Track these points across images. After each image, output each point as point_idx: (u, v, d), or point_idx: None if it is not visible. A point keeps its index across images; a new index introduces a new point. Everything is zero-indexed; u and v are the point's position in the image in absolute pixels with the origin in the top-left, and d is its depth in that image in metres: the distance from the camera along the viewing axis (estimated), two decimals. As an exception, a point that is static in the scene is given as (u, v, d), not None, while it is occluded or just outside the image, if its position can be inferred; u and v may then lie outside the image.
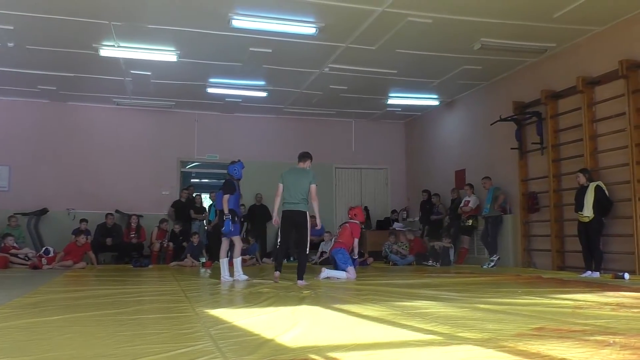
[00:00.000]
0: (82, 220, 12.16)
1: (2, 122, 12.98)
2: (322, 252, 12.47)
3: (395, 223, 14.11)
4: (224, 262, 7.94)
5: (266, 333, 3.38)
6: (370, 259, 12.21)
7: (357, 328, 3.71)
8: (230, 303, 5.39)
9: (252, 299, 5.43)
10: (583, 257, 8.38)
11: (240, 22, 8.28)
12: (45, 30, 8.80)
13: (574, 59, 9.44)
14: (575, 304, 4.77)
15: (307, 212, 7.42)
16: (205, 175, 17.39)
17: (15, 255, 11.01)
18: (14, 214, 12.18)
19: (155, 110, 13.81)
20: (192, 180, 16.00)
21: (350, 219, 9.19)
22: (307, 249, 7.56)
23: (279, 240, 7.80)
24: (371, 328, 3.69)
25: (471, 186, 11.66)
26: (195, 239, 11.91)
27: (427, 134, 14.60)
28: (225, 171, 8.75)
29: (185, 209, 13.20)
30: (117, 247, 12.46)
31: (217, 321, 3.97)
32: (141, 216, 12.93)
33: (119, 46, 9.42)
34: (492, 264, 10.61)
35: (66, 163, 13.21)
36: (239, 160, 8.19)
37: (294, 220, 7.38)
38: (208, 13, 8.14)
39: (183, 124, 14.16)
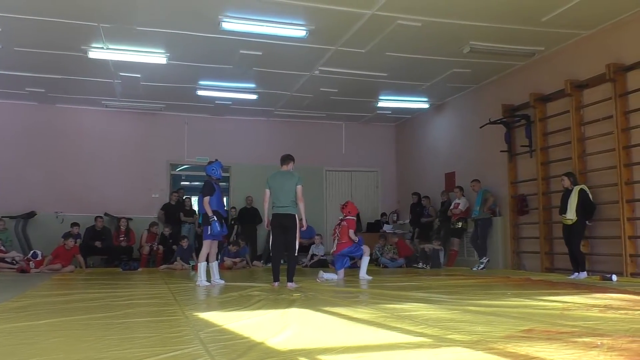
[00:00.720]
0: (73, 224, 11.96)
1: (-10, 124, 12.86)
2: (313, 255, 12.46)
3: (386, 225, 14.13)
4: (213, 265, 7.91)
5: (256, 336, 3.37)
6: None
7: (347, 331, 3.71)
8: (220, 306, 5.36)
9: (242, 302, 5.40)
10: (570, 259, 8.46)
11: (230, 24, 8.26)
12: (33, 32, 8.73)
13: (562, 63, 9.52)
14: (564, 306, 4.80)
15: (296, 216, 7.43)
16: (195, 178, 17.23)
17: (3, 259, 10.90)
18: (2, 217, 12.05)
19: (145, 113, 13.74)
20: (182, 183, 15.93)
21: (345, 216, 9.16)
22: (296, 252, 7.55)
23: (270, 244, 7.78)
24: (361, 331, 3.69)
25: (461, 189, 11.72)
26: (184, 243, 11.84)
27: (417, 136, 14.65)
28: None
29: (175, 211, 13.16)
30: (106, 250, 12.37)
31: (207, 324, 3.96)
32: (130, 219, 12.86)
33: (107, 48, 9.36)
34: (482, 266, 10.66)
35: (55, 166, 13.09)
36: (217, 160, 8.09)
37: (283, 224, 7.39)
38: (198, 15, 8.13)
39: (173, 126, 14.09)
